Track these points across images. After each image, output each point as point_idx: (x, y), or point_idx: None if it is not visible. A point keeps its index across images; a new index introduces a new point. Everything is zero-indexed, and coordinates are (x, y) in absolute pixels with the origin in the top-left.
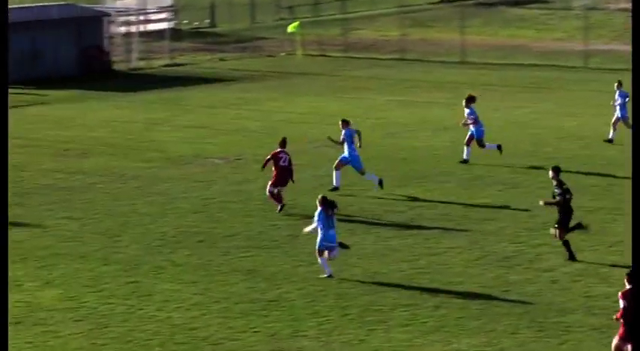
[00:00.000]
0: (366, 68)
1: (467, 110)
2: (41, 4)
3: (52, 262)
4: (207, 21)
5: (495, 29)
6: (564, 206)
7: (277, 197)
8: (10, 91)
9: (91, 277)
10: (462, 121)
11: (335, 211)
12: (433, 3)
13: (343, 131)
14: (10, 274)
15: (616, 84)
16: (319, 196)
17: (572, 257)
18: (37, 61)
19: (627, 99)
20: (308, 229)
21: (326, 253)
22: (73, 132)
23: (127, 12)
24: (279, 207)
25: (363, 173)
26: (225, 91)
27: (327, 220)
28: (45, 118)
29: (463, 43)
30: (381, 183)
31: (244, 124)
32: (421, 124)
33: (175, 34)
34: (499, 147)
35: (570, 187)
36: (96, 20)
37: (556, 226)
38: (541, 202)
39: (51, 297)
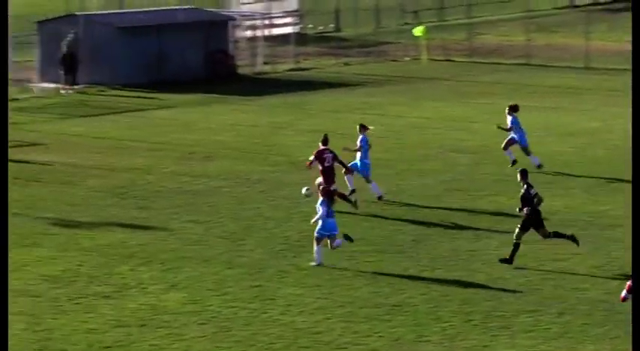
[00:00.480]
0: (491, 73)
1: (509, 118)
2: (168, 7)
3: (176, 266)
4: (332, 25)
5: (620, 35)
6: (534, 208)
7: (343, 196)
8: (136, 94)
9: (215, 280)
10: (500, 125)
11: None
12: (558, 8)
13: (360, 136)
14: (135, 276)
15: None
16: (321, 187)
17: (509, 260)
18: (163, 65)
19: None
20: (315, 218)
21: (328, 242)
22: (197, 135)
23: (252, 16)
24: (353, 199)
25: (369, 182)
26: (349, 95)
27: (327, 209)
28: (170, 122)
29: (588, 48)
30: (380, 198)
31: None
32: (545, 129)
33: (300, 38)
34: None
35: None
36: (222, 24)
37: (519, 226)
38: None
39: (175, 300)
